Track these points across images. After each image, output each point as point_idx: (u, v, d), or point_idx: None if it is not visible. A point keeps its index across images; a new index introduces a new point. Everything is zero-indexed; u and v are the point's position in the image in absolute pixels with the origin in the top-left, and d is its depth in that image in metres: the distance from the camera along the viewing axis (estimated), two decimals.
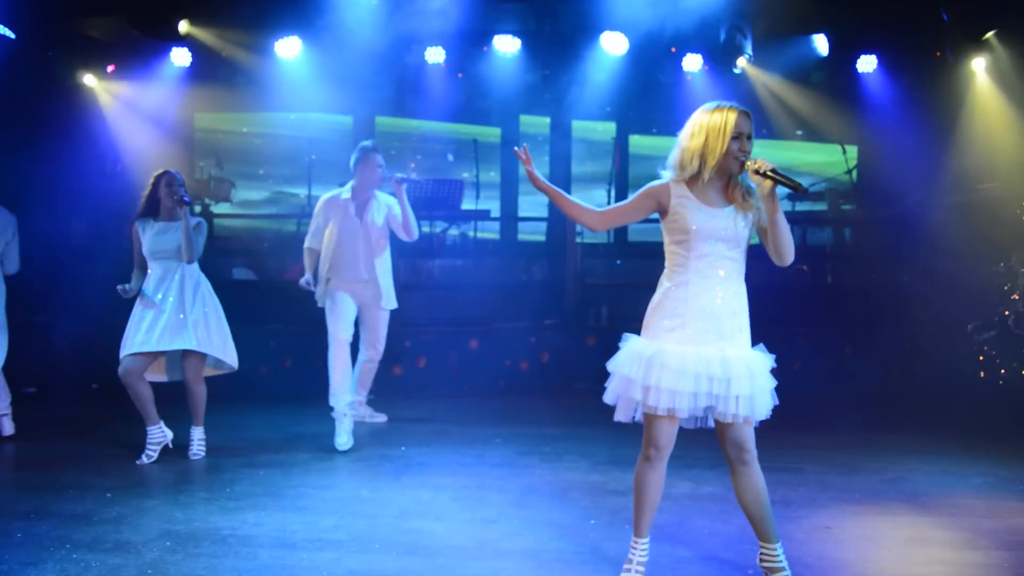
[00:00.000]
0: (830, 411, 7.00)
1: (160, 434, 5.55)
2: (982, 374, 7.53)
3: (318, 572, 3.75)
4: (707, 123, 3.35)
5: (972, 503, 4.77)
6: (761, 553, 3.53)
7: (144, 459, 5.46)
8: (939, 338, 7.81)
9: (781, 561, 3.50)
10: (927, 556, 3.99)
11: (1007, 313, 7.62)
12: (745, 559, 3.90)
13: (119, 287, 5.47)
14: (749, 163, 3.30)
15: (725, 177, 3.41)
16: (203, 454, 5.61)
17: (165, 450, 5.62)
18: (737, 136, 3.33)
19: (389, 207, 6.15)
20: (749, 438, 3.41)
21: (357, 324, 6.22)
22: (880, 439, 6.20)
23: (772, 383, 3.41)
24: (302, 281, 6.15)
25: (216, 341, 5.56)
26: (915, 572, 3.83)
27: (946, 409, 7.01)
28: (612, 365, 3.45)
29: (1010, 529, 4.35)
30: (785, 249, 3.35)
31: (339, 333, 6.00)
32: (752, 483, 3.44)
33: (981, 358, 7.69)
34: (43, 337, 6.47)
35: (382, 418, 6.71)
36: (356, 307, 6.14)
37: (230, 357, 5.64)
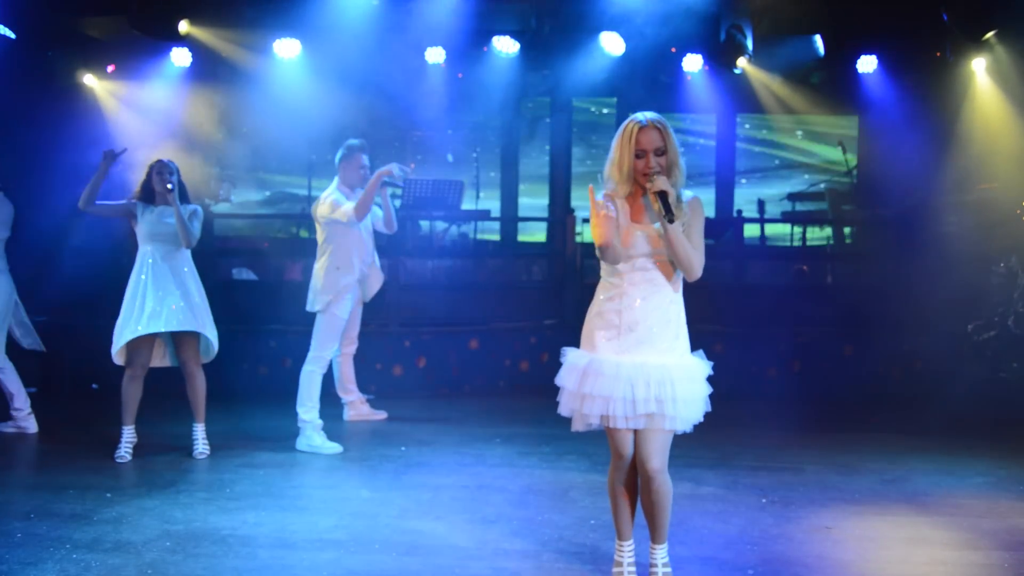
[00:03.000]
0: (830, 411, 6.97)
1: (133, 434, 5.58)
2: (982, 374, 7.53)
3: (318, 572, 3.75)
4: (618, 138, 3.35)
5: (972, 503, 4.77)
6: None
7: (123, 456, 5.45)
8: (939, 338, 7.81)
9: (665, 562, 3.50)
10: (927, 556, 3.99)
11: (1007, 313, 7.62)
12: (745, 559, 3.90)
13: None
14: (649, 181, 3.26)
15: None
16: (208, 452, 5.61)
17: (166, 449, 5.65)
18: (640, 154, 3.30)
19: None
20: (662, 451, 3.36)
21: None
22: (880, 439, 6.20)
23: (707, 390, 3.40)
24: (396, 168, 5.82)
25: (208, 325, 5.61)
26: (915, 572, 3.83)
27: (946, 409, 7.00)
28: (557, 379, 3.47)
29: (1010, 529, 4.35)
30: (683, 264, 3.31)
31: (329, 351, 6.00)
32: (655, 494, 3.39)
33: (981, 358, 7.69)
34: (43, 337, 6.47)
35: (382, 415, 6.72)
36: None
37: (215, 341, 5.66)
